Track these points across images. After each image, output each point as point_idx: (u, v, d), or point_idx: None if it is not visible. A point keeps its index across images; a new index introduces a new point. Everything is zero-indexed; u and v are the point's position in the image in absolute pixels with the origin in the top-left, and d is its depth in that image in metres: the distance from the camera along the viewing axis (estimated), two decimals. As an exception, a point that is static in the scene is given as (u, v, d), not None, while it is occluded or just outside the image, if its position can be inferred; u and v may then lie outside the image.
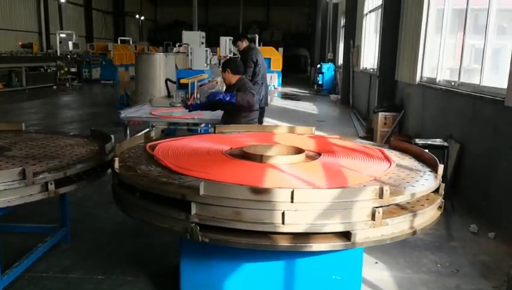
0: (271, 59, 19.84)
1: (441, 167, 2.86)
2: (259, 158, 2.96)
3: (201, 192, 2.25)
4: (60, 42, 22.49)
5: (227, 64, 4.80)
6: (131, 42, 30.54)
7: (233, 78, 4.70)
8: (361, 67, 13.76)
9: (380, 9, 10.57)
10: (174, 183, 2.45)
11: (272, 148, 3.44)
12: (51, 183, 2.78)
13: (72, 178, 2.98)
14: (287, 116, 12.37)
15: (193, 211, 2.29)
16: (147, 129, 5.82)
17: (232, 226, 2.25)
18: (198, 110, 5.02)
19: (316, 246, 2.27)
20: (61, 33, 22.98)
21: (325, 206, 2.23)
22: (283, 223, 2.21)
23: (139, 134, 4.40)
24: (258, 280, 2.79)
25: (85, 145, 3.68)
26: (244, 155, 3.12)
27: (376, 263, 3.74)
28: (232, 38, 13.63)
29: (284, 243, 2.26)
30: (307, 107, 15.21)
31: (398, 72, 8.96)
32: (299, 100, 17.00)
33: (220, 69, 4.67)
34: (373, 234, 2.32)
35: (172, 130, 7.00)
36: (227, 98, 4.41)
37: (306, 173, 2.75)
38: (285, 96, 18.38)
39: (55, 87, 20.03)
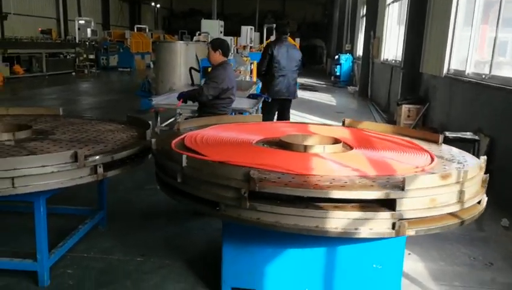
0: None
1: (483, 159, 2.88)
2: (303, 148, 2.99)
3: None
4: (79, 29, 22.62)
5: (221, 45, 4.66)
6: (147, 30, 30.58)
7: (218, 59, 4.61)
8: (381, 59, 13.65)
9: (404, 0, 10.46)
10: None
11: (308, 138, 3.47)
12: (100, 167, 2.85)
13: (117, 162, 3.05)
14: (304, 106, 12.33)
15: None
16: (175, 118, 5.86)
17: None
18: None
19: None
20: (80, 20, 23.11)
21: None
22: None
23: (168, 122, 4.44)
24: (299, 266, 2.84)
25: (124, 131, 3.74)
26: (283, 145, 3.15)
27: (409, 254, 3.76)
28: (252, 27, 13.70)
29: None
30: (324, 98, 15.16)
31: (423, 64, 8.88)
32: (316, 91, 16.95)
33: (209, 46, 4.56)
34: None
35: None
36: (184, 96, 4.70)
37: (351, 162, 2.78)
38: (302, 87, 18.30)
39: (74, 73, 20.21)
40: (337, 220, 2.28)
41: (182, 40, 31.05)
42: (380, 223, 2.30)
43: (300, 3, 41.18)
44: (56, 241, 3.32)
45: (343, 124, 4.22)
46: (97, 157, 2.83)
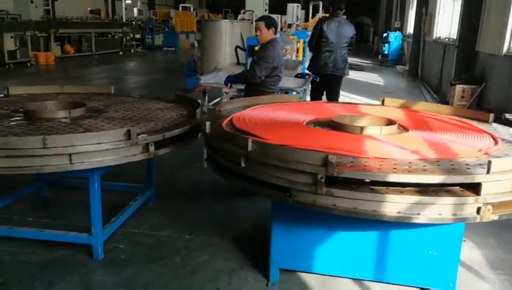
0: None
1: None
2: (359, 129, 2.89)
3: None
4: (126, 9, 22.99)
5: (274, 22, 4.50)
6: (191, 9, 30.68)
7: (269, 36, 4.46)
8: (433, 37, 13.05)
9: (460, -26, 9.87)
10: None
11: (360, 119, 3.35)
12: (151, 145, 2.87)
13: (168, 141, 3.06)
14: (350, 87, 11.99)
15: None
16: (221, 97, 5.83)
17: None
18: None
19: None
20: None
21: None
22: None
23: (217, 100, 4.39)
24: (350, 250, 2.77)
25: (174, 109, 3.76)
26: (336, 126, 3.05)
27: (464, 241, 3.60)
28: (299, 4, 13.40)
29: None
30: (372, 77, 14.74)
31: (479, 42, 8.40)
32: (362, 70, 16.49)
33: (261, 23, 4.39)
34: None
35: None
36: (235, 80, 4.53)
37: (409, 144, 2.66)
38: (349, 66, 17.85)
39: (121, 53, 20.65)
40: (420, 206, 2.18)
41: (225, 18, 31.04)
42: (464, 208, 2.20)
43: (347, -21, 39.91)
44: (109, 216, 3.41)
45: (383, 103, 4.12)
46: (149, 135, 2.85)
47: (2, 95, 4.13)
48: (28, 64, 14.91)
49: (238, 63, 8.23)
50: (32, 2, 16.39)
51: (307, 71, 6.64)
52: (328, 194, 2.24)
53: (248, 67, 5.56)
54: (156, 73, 14.95)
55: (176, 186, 4.66)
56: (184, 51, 24.11)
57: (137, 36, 22.37)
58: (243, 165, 2.47)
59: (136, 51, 21.44)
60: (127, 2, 23.15)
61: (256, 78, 4.32)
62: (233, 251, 3.38)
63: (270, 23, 4.40)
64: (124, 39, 20.91)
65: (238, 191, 4.30)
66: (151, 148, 2.87)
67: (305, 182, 2.28)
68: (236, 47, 8.27)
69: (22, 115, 3.31)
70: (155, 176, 4.17)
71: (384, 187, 2.20)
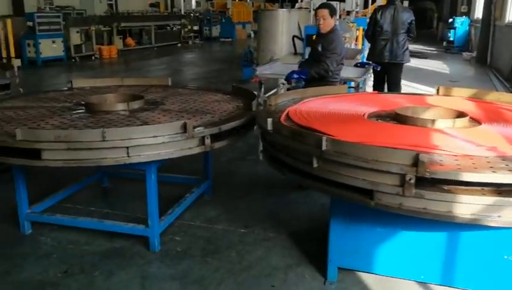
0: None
1: None
2: (430, 123, 2.68)
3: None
4: (184, 1, 23.36)
5: (332, 7, 4.29)
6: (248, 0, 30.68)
7: (330, 24, 4.24)
8: (506, 21, 12.15)
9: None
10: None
11: (428, 111, 3.12)
12: (207, 138, 2.83)
13: (224, 133, 3.01)
14: (412, 75, 11.46)
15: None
16: (277, 88, 5.72)
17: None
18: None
19: None
20: (185, -8, 23.86)
21: None
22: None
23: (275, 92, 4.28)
24: (416, 251, 2.59)
25: (230, 102, 3.71)
26: (401, 119, 2.85)
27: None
28: (358, -9, 12.96)
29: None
30: (436, 65, 14.01)
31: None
32: (426, 58, 15.72)
33: (324, 11, 4.16)
34: None
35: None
36: (302, 76, 4.26)
37: (484, 139, 2.43)
38: (410, 54, 17.10)
39: (179, 45, 21.04)
40: (498, 208, 2.00)
41: (282, 8, 30.80)
42: None
43: (409, -38, 38.22)
44: (165, 208, 3.43)
45: (437, 92, 3.86)
46: (205, 128, 2.81)
47: (66, 88, 4.27)
48: (92, 57, 15.55)
49: (295, 53, 8.09)
50: (96, -3, 17.06)
51: (366, 60, 6.43)
52: (418, 197, 2.06)
53: (306, 57, 5.39)
54: (213, 64, 15.08)
55: (231, 179, 4.63)
56: (240, 41, 24.18)
57: (195, 28, 22.69)
58: (315, 165, 2.33)
59: (193, 43, 21.77)
60: (185, -6, 23.55)
61: (328, 72, 4.18)
62: (290, 246, 3.29)
63: (333, 11, 4.23)
64: (182, 31, 21.28)
65: (293, 185, 4.20)
66: (207, 141, 2.84)
67: (391, 184, 2.10)
68: (294, 36, 8.12)
69: (83, 107, 3.39)
70: (211, 168, 4.16)
71: (465, 187, 2.01)
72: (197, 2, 23.67)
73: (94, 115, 3.17)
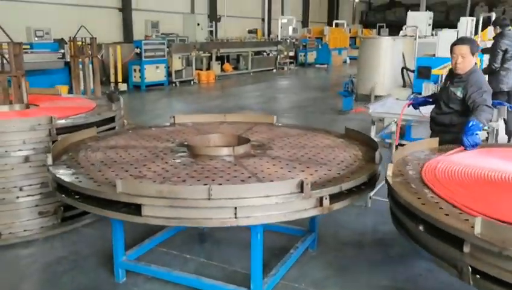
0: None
1: None
2: None
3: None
4: (281, 27, 23.50)
5: (474, 44, 3.63)
6: (345, 25, 30.19)
7: (470, 63, 3.54)
8: None
9: None
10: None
11: None
12: (326, 198, 2.39)
13: (343, 192, 2.55)
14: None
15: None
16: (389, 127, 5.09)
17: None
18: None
19: None
20: (283, 18, 24.01)
21: None
22: None
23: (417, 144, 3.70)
24: None
25: (345, 148, 3.24)
26: None
27: None
28: (474, 18, 11.87)
29: None
30: None
31: None
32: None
33: (455, 48, 3.52)
34: None
35: (407, 127, 6.21)
36: (473, 130, 3.17)
37: None
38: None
39: (274, 70, 21.09)
40: None
41: (379, 34, 29.77)
42: None
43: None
44: (267, 262, 3.03)
45: None
46: (324, 187, 2.37)
47: (168, 124, 4.11)
48: (191, 82, 16.01)
49: (404, 86, 7.42)
50: (198, 24, 17.69)
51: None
52: None
53: (416, 90, 4.77)
54: (308, 91, 14.74)
55: (336, 230, 4.10)
56: (336, 68, 23.71)
57: (291, 54, 22.65)
58: (466, 250, 1.82)
59: (289, 69, 21.72)
60: (282, 21, 23.66)
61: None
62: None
63: (475, 48, 3.56)
64: (278, 57, 21.33)
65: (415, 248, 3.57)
66: (326, 201, 2.39)
67: None
68: (403, 68, 7.48)
69: (186, 149, 3.14)
70: (317, 219, 3.70)
71: None
72: (294, 28, 23.64)
73: (197, 160, 2.89)
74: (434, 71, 5.86)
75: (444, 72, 5.56)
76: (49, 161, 2.79)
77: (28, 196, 3.71)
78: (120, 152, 3.10)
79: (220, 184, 2.42)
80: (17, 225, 3.72)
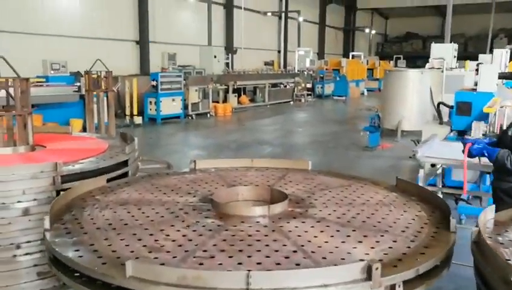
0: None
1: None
2: None
3: None
4: (298, 59, 23.34)
5: None
6: (362, 57, 29.98)
7: None
8: None
9: None
10: None
11: None
12: (399, 286, 1.82)
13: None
14: None
15: None
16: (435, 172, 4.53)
17: None
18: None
19: None
20: (300, 50, 23.87)
21: None
22: None
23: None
24: None
25: (404, 207, 2.68)
26: None
27: None
28: (509, 50, 11.36)
29: None
30: None
31: None
32: None
33: None
34: None
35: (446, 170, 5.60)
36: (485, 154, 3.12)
37: None
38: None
39: (291, 102, 20.76)
40: None
41: (396, 65, 29.41)
42: None
43: (542, 16, 34.93)
44: None
45: None
46: (397, 273, 1.81)
47: (187, 170, 3.61)
48: (208, 115, 15.68)
49: (441, 123, 6.89)
50: (215, 56, 17.52)
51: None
52: None
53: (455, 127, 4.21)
54: (328, 125, 14.26)
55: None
56: (354, 100, 23.30)
57: (308, 85, 22.37)
58: None
59: (306, 101, 21.37)
60: (299, 53, 23.50)
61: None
62: None
63: None
64: (296, 89, 21.04)
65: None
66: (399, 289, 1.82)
67: None
68: (440, 103, 6.96)
69: (210, 205, 2.62)
70: None
71: None
72: (311, 60, 23.44)
73: (226, 223, 2.36)
74: (486, 109, 5.29)
75: (497, 110, 4.98)
76: (47, 224, 2.28)
77: (26, 254, 3.21)
78: (132, 210, 2.58)
79: (259, 263, 1.88)
80: (14, 288, 3.21)
